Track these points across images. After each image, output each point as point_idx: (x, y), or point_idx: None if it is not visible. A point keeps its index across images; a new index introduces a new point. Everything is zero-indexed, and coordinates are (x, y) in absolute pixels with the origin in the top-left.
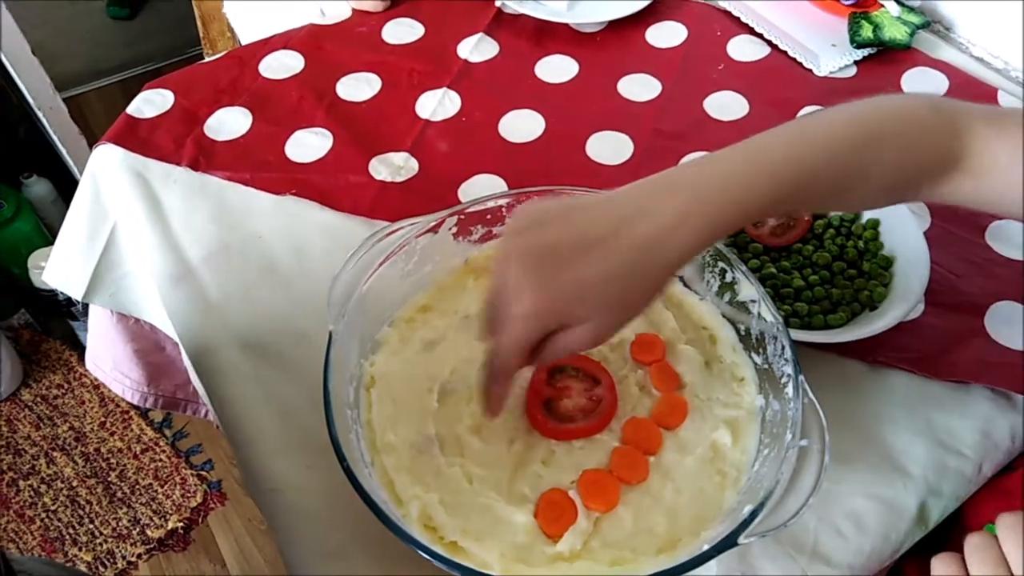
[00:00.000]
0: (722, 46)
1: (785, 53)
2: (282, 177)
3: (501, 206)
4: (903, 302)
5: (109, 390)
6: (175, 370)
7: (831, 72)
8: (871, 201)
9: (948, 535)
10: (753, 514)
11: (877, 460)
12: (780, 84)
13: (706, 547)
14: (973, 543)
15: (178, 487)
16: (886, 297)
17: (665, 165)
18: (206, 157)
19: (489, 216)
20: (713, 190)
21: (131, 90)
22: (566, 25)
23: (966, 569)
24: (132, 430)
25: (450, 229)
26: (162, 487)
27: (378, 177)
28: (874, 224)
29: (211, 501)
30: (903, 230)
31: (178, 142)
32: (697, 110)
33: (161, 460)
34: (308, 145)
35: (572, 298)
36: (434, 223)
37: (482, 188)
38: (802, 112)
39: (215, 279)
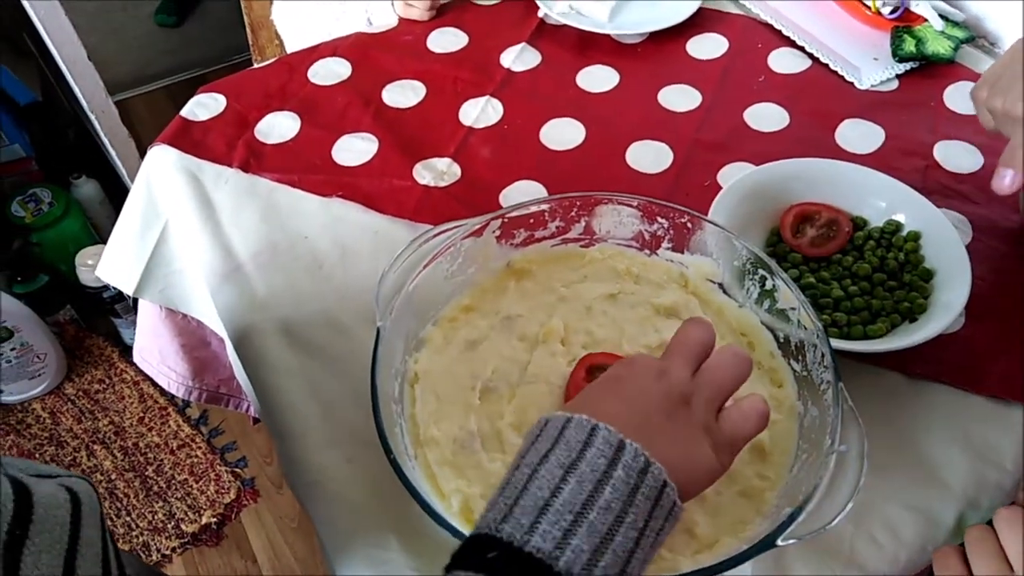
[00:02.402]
0: (763, 58)
1: (826, 66)
2: (329, 180)
3: (543, 211)
4: (943, 315)
5: (148, 386)
6: (219, 365)
7: (872, 85)
8: None
9: None
10: (792, 516)
11: (915, 471)
12: (821, 97)
13: (744, 547)
14: (973, 535)
15: (212, 483)
16: (926, 310)
17: (703, 175)
18: (256, 159)
19: (532, 220)
20: None
21: (177, 95)
22: (607, 36)
23: (966, 561)
24: (169, 426)
25: (494, 232)
26: (197, 483)
27: (422, 182)
28: (915, 236)
29: (244, 498)
30: (945, 243)
31: (230, 144)
32: (737, 121)
33: (197, 456)
34: (354, 150)
35: None
36: (478, 226)
37: (523, 194)
38: (842, 125)
39: (262, 276)
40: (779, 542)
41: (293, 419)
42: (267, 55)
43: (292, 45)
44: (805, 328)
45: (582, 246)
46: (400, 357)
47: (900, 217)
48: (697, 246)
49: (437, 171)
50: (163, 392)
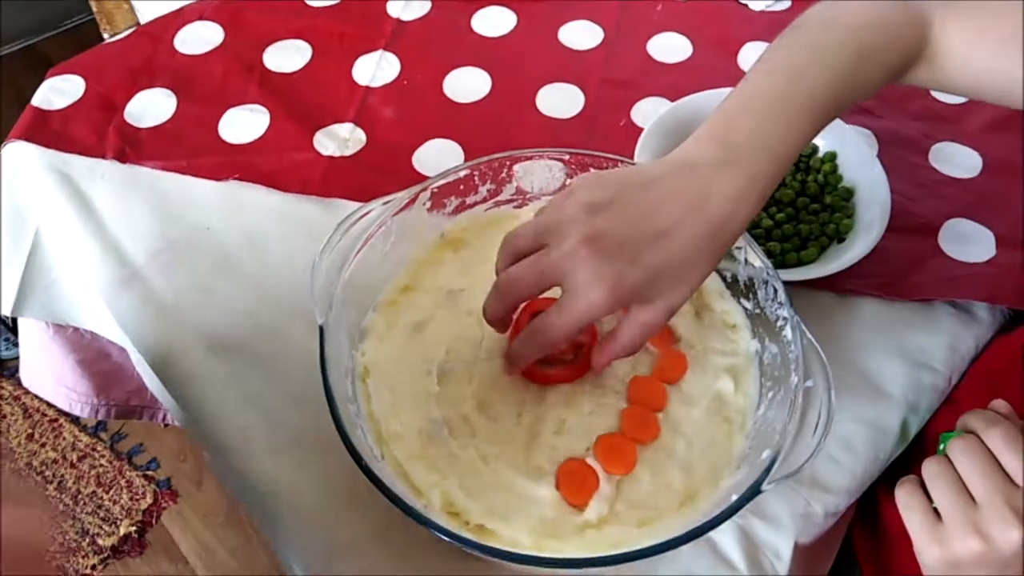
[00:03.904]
0: None
1: None
2: (221, 161)
3: (472, 175)
4: (870, 230)
5: (32, 399)
6: (125, 377)
7: (767, 6)
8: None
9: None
10: (773, 460)
11: (859, 385)
12: (719, 22)
13: (735, 497)
14: (931, 470)
15: (125, 491)
16: (852, 228)
17: (617, 115)
18: (133, 147)
19: (462, 187)
20: (764, 162)
21: (13, 72)
22: None
23: (927, 494)
24: (64, 438)
25: (424, 204)
26: (107, 493)
27: (325, 152)
28: (831, 157)
29: (162, 500)
30: (860, 160)
31: (99, 133)
32: (642, 55)
33: (102, 465)
34: (244, 124)
35: (643, 285)
36: (407, 200)
37: (435, 153)
38: (744, 50)
39: (165, 279)
40: (764, 487)
41: (229, 430)
42: (116, 20)
43: (145, 8)
44: (754, 266)
45: (515, 207)
46: (346, 352)
47: (816, 139)
48: None
49: (340, 139)
50: (50, 403)
